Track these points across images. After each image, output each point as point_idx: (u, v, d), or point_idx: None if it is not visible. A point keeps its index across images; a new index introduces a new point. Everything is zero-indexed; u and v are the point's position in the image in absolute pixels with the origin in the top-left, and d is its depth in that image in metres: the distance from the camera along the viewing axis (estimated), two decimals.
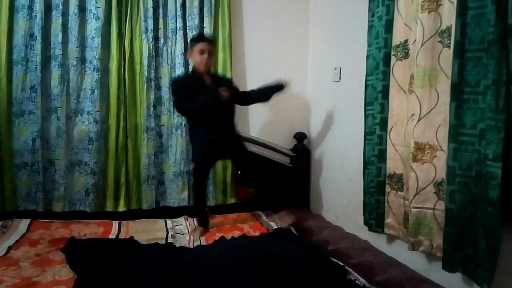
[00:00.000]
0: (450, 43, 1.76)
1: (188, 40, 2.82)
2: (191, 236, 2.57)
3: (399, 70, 2.10)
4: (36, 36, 2.73)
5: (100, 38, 2.83)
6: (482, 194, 1.59)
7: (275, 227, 2.71)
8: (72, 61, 2.82)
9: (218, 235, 2.52)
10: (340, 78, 2.85)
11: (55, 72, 2.79)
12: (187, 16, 2.99)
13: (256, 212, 3.03)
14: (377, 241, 2.38)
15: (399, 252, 2.19)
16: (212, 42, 2.68)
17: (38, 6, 2.71)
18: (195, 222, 2.74)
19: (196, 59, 2.60)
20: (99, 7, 2.82)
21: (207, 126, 2.61)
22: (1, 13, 2.67)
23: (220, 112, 2.58)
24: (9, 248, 2.23)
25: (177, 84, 2.66)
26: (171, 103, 3.01)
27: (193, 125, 2.73)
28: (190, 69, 2.92)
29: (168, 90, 2.99)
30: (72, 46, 2.82)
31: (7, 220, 2.62)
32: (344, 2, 2.84)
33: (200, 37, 2.69)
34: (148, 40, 2.92)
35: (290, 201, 3.13)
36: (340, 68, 2.84)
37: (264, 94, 2.72)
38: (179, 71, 2.99)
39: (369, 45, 2.31)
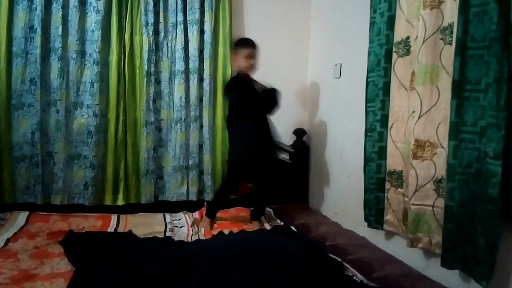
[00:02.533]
0: (452, 40, 1.76)
1: (232, 45, 2.80)
2: (190, 229, 2.58)
3: (400, 67, 2.09)
4: (36, 29, 2.72)
5: (100, 32, 2.82)
6: (482, 192, 1.59)
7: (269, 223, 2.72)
8: (72, 54, 2.81)
9: (216, 230, 2.53)
10: (340, 75, 2.85)
11: (55, 65, 2.78)
12: (187, 10, 2.97)
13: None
14: (375, 237, 2.38)
15: (397, 248, 2.20)
16: (256, 46, 2.65)
17: None
18: (198, 214, 2.77)
19: (242, 64, 2.61)
20: (99, 0, 2.80)
21: (256, 127, 2.64)
22: (1, 5, 2.65)
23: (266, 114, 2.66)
24: (8, 240, 2.23)
25: (231, 84, 2.71)
26: (171, 97, 3.01)
27: (240, 125, 2.67)
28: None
29: (168, 84, 2.99)
30: (72, 39, 2.80)
31: (5, 212, 2.62)
32: None
33: (245, 42, 2.65)
34: (148, 34, 2.91)
35: (289, 197, 3.14)
36: (341, 65, 2.83)
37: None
38: (179, 65, 2.98)
39: (371, 41, 2.30)
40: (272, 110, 2.69)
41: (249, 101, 2.60)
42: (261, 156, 2.67)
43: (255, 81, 2.70)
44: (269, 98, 2.64)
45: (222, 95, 3.03)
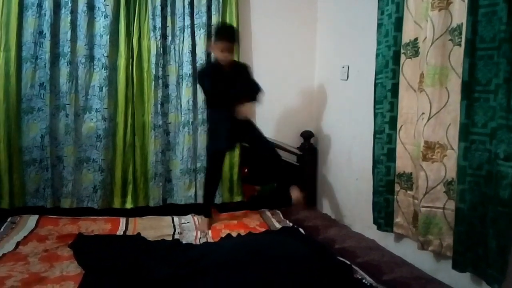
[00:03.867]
0: (460, 41, 1.75)
1: (212, 31, 2.85)
2: (198, 232, 2.58)
3: (408, 68, 2.08)
4: (45, 34, 2.75)
5: (108, 36, 2.84)
6: (493, 193, 1.58)
7: (277, 225, 2.72)
8: (80, 59, 2.84)
9: (224, 233, 2.53)
10: (348, 77, 2.84)
11: (64, 70, 2.81)
12: (195, 14, 2.99)
13: (262, 210, 3.04)
14: (384, 240, 2.37)
15: (407, 251, 2.18)
16: (233, 40, 2.61)
17: (47, 3, 2.73)
18: (200, 218, 2.77)
19: (217, 54, 2.61)
20: (108, 5, 2.82)
21: (223, 114, 2.63)
22: (11, 11, 2.68)
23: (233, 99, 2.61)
24: (18, 243, 2.24)
25: (202, 73, 2.79)
26: (179, 101, 3.02)
27: (212, 117, 2.82)
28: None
29: (176, 87, 3.01)
30: (81, 43, 2.83)
31: (15, 216, 2.65)
32: (352, 0, 2.82)
33: (221, 36, 2.60)
34: (156, 38, 2.92)
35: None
36: (348, 67, 2.83)
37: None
38: (186, 68, 2.99)
39: (378, 43, 2.29)
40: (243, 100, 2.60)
41: (217, 90, 2.60)
42: (235, 138, 2.74)
43: (232, 64, 2.65)
44: (243, 91, 2.60)
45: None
